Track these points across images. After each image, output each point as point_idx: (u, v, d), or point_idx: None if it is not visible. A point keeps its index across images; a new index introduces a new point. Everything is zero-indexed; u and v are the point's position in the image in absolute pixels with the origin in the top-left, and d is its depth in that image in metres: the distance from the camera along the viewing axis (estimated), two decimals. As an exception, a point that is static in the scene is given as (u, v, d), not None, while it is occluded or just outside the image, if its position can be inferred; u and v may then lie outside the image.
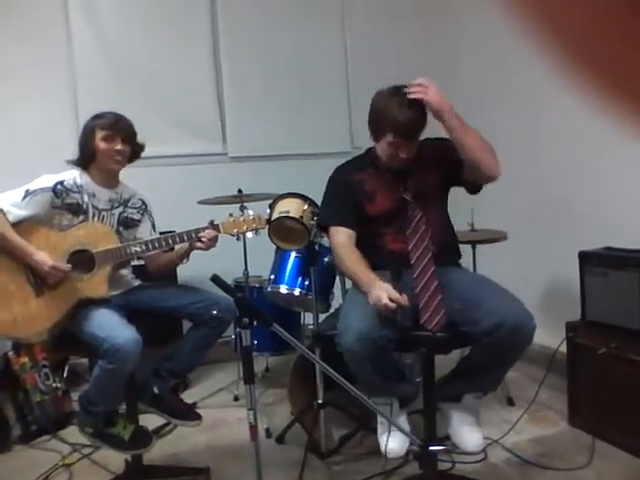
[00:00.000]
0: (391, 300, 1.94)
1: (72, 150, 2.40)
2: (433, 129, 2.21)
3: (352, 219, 2.32)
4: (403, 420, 2.21)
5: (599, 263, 2.63)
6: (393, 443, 2.19)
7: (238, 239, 2.42)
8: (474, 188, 2.27)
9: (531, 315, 1.97)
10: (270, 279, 2.97)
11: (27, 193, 2.21)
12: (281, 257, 2.98)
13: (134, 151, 2.40)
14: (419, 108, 2.13)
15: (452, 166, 2.19)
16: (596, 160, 3.02)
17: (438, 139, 2.29)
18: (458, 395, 2.20)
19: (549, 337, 3.01)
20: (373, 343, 1.96)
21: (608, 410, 2.55)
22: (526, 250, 3.39)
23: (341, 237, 2.30)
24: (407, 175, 2.27)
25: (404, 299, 1.96)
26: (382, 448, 2.17)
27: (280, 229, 2.61)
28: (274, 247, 2.87)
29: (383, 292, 1.96)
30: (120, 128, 2.33)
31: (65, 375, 3.28)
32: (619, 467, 2.38)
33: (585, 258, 2.68)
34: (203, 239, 2.27)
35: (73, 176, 2.33)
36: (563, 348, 2.73)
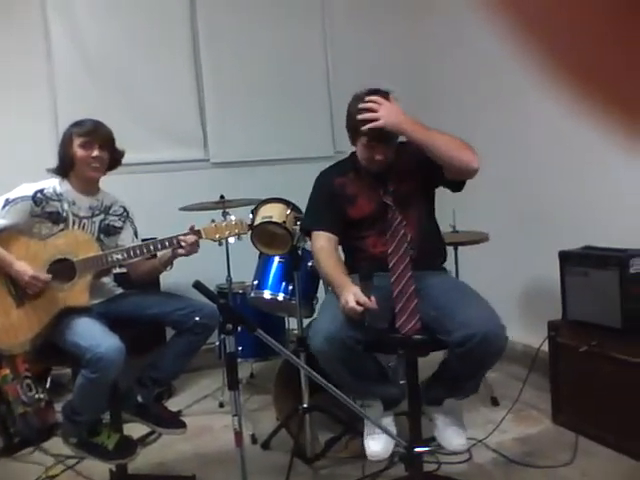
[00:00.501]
0: (359, 303, 1.97)
1: (52, 158, 2.38)
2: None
3: (334, 223, 2.34)
4: (389, 422, 2.22)
5: (579, 263, 2.66)
6: (376, 446, 2.20)
7: (220, 244, 2.41)
8: (457, 186, 2.27)
9: (502, 326, 1.98)
10: (253, 285, 2.97)
11: (7, 202, 2.20)
12: (264, 262, 2.98)
13: (114, 158, 2.39)
14: None
15: (432, 167, 2.19)
16: (576, 162, 3.06)
17: None
18: (439, 399, 2.22)
19: (531, 336, 3.05)
20: (341, 344, 2.00)
21: (591, 408, 2.58)
22: (507, 251, 3.41)
23: (322, 241, 2.32)
24: (388, 178, 2.29)
25: (372, 302, 1.98)
26: (366, 451, 2.18)
27: (263, 234, 2.61)
28: (257, 253, 2.87)
29: (351, 295, 2.00)
30: (97, 134, 2.32)
31: (48, 386, 3.24)
32: (602, 464, 2.41)
33: (565, 258, 2.72)
34: (184, 244, 2.26)
35: (53, 184, 2.31)
36: (545, 347, 2.76)
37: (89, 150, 2.30)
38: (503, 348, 1.99)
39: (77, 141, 2.30)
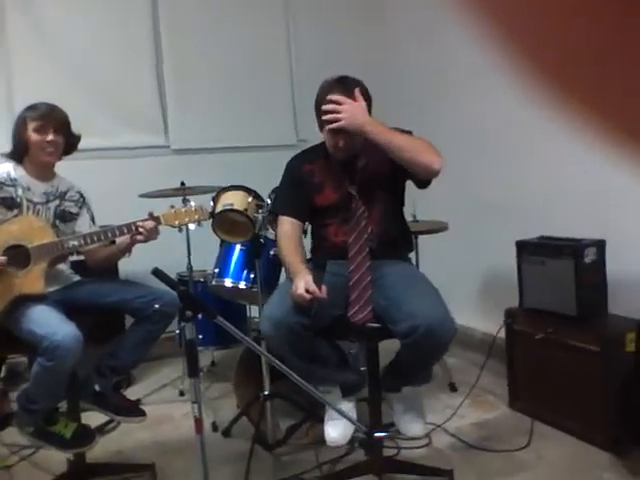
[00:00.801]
0: (308, 291, 2.00)
1: (7, 143, 2.32)
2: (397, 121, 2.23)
3: (299, 210, 2.34)
4: (349, 408, 2.24)
5: (535, 252, 2.72)
6: (334, 432, 2.22)
7: (180, 231, 2.38)
8: (421, 184, 2.29)
9: (449, 319, 1.99)
10: (215, 273, 2.94)
11: (-41, 188, 2.13)
12: (226, 250, 2.95)
13: (69, 143, 2.34)
14: (352, 96, 2.15)
15: (398, 165, 2.21)
16: (534, 153, 3.11)
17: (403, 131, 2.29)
18: (396, 387, 2.24)
19: (489, 324, 3.11)
20: (287, 329, 2.03)
21: (546, 393, 2.65)
22: (466, 240, 3.47)
23: (286, 226, 2.33)
24: (355, 169, 2.29)
25: (322, 292, 2.00)
26: (325, 437, 2.20)
27: (224, 222, 2.60)
28: (219, 240, 2.85)
29: (302, 282, 2.02)
30: (52, 118, 2.27)
31: (3, 375, 3.17)
32: (557, 447, 2.48)
33: (522, 247, 2.77)
34: (142, 230, 2.22)
35: (7, 170, 2.25)
36: (502, 334, 2.81)
37: (43, 134, 2.24)
38: (449, 340, 2.00)
39: (31, 125, 2.24)
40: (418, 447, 2.50)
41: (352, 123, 2.09)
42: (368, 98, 2.21)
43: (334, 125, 2.09)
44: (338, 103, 2.10)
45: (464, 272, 3.59)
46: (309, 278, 2.04)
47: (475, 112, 3.46)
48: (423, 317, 1.93)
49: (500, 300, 2.96)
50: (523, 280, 2.77)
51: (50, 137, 2.25)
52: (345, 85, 2.17)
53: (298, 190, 2.35)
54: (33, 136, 2.24)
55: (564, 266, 2.57)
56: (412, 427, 2.19)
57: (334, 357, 2.25)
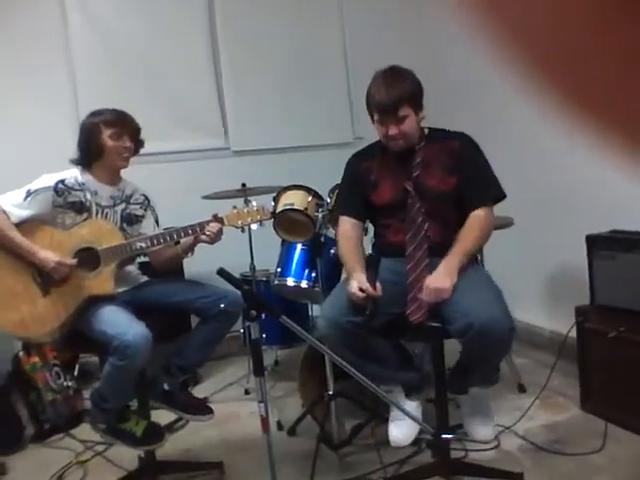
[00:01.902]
0: (362, 290, 1.99)
1: (73, 148, 2.38)
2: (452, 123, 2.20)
3: (358, 209, 2.34)
4: (413, 408, 2.21)
5: (607, 246, 2.61)
6: (398, 432, 2.20)
7: (243, 231, 2.41)
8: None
9: (505, 317, 1.94)
10: (277, 272, 2.97)
11: (28, 193, 2.22)
12: (287, 250, 2.97)
13: (136, 148, 2.40)
14: (400, 84, 2.14)
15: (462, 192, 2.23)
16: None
17: (471, 148, 2.27)
18: (463, 388, 2.20)
19: (559, 323, 3.01)
20: (341, 328, 2.04)
21: (620, 394, 2.53)
22: (533, 236, 3.36)
23: (345, 226, 2.34)
24: (412, 165, 2.26)
25: (377, 290, 2.01)
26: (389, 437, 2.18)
27: (285, 222, 2.61)
28: (280, 240, 2.86)
29: (355, 281, 2.04)
30: (127, 125, 2.33)
31: (76, 374, 3.29)
32: (633, 451, 2.36)
33: (592, 242, 2.67)
34: (207, 232, 2.26)
35: (74, 174, 2.33)
36: (573, 333, 2.71)
37: (120, 141, 2.31)
38: (506, 338, 1.96)
39: (107, 132, 2.30)
40: (486, 449, 2.43)
41: (449, 280, 2.04)
42: (419, 89, 2.19)
43: (447, 296, 2.03)
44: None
45: (531, 269, 3.49)
46: (362, 276, 2.05)
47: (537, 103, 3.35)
48: (477, 315, 1.89)
49: (569, 297, 2.85)
50: (594, 276, 2.66)
51: (127, 143, 2.32)
52: (395, 75, 2.17)
53: (356, 188, 2.35)
54: (109, 142, 2.30)
55: (637, 260, 2.46)
56: (480, 431, 2.14)
57: (393, 356, 2.22)
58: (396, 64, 2.24)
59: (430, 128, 2.34)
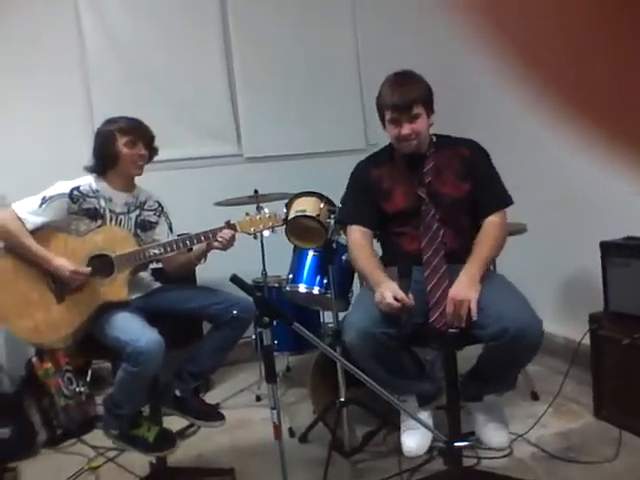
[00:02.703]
0: (396, 299, 1.97)
1: (87, 154, 2.40)
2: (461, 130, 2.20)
3: (368, 217, 2.33)
4: (425, 418, 2.20)
5: (621, 253, 2.59)
6: (411, 442, 2.19)
7: (255, 238, 2.42)
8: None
9: (537, 321, 1.95)
10: (289, 278, 2.97)
11: (44, 200, 2.23)
12: (299, 256, 2.97)
13: (150, 156, 2.42)
14: (414, 85, 2.16)
15: (475, 198, 2.24)
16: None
17: (481, 154, 2.28)
18: (478, 395, 2.18)
19: (572, 329, 2.99)
20: (374, 339, 2.00)
21: (634, 401, 2.51)
22: (546, 242, 3.34)
23: (356, 236, 2.33)
24: (424, 170, 2.25)
25: (410, 299, 1.98)
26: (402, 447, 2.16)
27: (297, 228, 2.61)
28: (292, 246, 2.87)
29: (388, 291, 2.00)
30: (142, 133, 2.35)
31: (89, 379, 3.31)
32: (648, 459, 2.35)
33: (607, 248, 2.65)
34: (220, 239, 2.27)
35: (89, 182, 2.34)
36: (586, 340, 2.69)
37: (135, 149, 2.33)
38: (539, 342, 1.95)
39: (122, 140, 2.32)
40: (499, 457, 2.41)
41: (473, 291, 2.02)
42: (431, 92, 2.20)
43: (474, 307, 2.00)
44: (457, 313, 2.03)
45: (544, 275, 3.46)
46: (395, 286, 2.02)
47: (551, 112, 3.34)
48: (513, 319, 1.89)
49: (583, 304, 2.83)
50: (608, 283, 2.64)
51: (143, 151, 2.34)
52: (407, 77, 2.19)
53: (366, 197, 2.34)
54: (124, 150, 2.32)
55: (652, 268, 2.45)
56: (495, 438, 2.12)
57: (411, 366, 2.21)
58: (407, 69, 2.25)
59: (437, 135, 2.34)
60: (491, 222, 2.20)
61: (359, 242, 2.31)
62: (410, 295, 2.00)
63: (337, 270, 2.66)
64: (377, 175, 2.33)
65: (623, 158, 2.90)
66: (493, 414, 2.15)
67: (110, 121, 2.37)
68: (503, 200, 2.27)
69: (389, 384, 2.14)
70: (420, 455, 2.22)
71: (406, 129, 2.18)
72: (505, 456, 2.43)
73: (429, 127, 2.26)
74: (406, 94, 2.15)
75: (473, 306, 1.98)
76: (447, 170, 2.23)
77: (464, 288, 2.02)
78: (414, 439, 2.18)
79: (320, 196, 2.66)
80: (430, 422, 2.19)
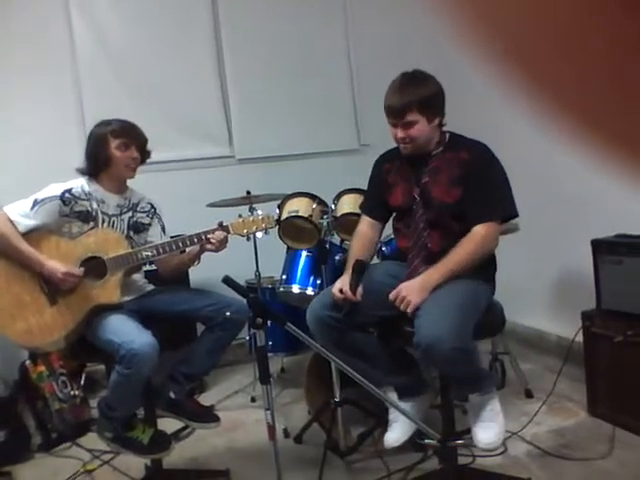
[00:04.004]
0: (341, 292, 2.06)
1: (80, 157, 2.39)
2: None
3: (376, 209, 2.37)
4: (406, 409, 2.19)
5: (612, 251, 2.61)
6: (390, 433, 2.19)
7: (248, 239, 2.42)
8: None
9: (449, 338, 1.87)
10: (282, 279, 2.97)
11: (35, 202, 2.22)
12: (292, 257, 2.98)
13: (142, 158, 2.41)
14: (413, 89, 2.13)
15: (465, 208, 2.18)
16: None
17: (483, 161, 2.19)
18: (457, 395, 2.19)
19: (565, 327, 3.00)
20: (321, 321, 2.10)
21: (627, 398, 2.53)
22: (538, 241, 3.36)
23: (362, 225, 2.38)
24: (424, 170, 2.24)
25: (357, 294, 2.05)
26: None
27: (290, 229, 2.62)
28: (285, 247, 2.87)
29: (339, 282, 2.11)
30: (135, 136, 2.35)
31: (83, 382, 3.29)
32: (641, 455, 2.36)
33: (598, 246, 2.66)
34: (213, 241, 2.27)
35: (80, 184, 2.34)
36: (579, 338, 2.71)
37: (127, 151, 2.32)
38: (450, 356, 1.89)
39: (114, 142, 2.31)
40: (494, 455, 2.42)
41: (422, 297, 2.01)
42: (435, 95, 2.17)
43: (410, 310, 2.01)
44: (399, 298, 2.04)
45: (536, 274, 3.48)
46: (346, 278, 2.10)
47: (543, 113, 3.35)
48: (424, 334, 1.89)
49: (575, 302, 2.85)
50: (600, 281, 2.65)
51: (135, 154, 2.34)
52: (411, 79, 2.16)
53: (377, 189, 2.37)
54: (117, 153, 2.31)
55: (643, 265, 2.46)
56: (483, 436, 2.09)
57: (384, 357, 2.21)
58: (418, 68, 2.21)
59: (452, 134, 2.27)
60: (475, 232, 2.12)
61: (360, 232, 2.36)
62: (359, 289, 2.06)
63: (330, 270, 2.67)
64: (387, 169, 2.35)
65: (614, 157, 2.92)
66: (480, 413, 2.12)
67: (103, 123, 2.36)
68: (495, 211, 2.16)
69: (359, 371, 2.11)
70: (397, 445, 2.20)
71: (401, 133, 2.18)
72: (500, 454, 2.45)
73: (435, 128, 2.20)
74: (401, 100, 2.12)
75: (409, 309, 1.99)
76: (443, 173, 2.21)
77: (412, 288, 2.03)
78: (393, 431, 2.19)
79: (313, 197, 2.66)
80: (414, 414, 2.18)
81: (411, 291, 2.02)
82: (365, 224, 2.38)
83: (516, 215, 2.20)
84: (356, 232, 2.37)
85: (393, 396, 2.22)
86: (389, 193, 2.31)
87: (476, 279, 2.12)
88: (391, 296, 2.05)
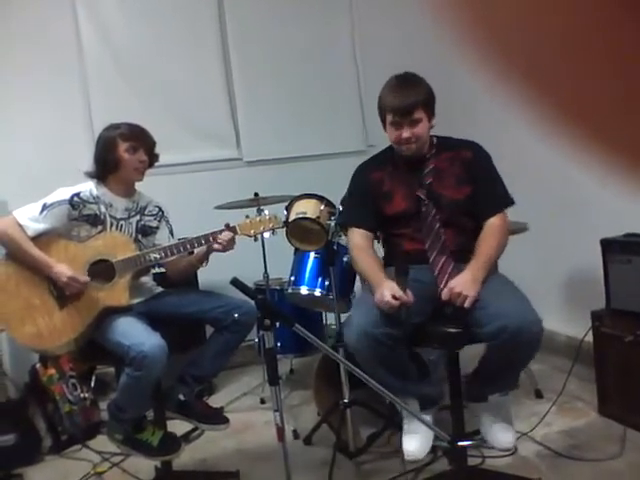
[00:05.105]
0: (395, 298, 1.98)
1: (87, 157, 2.41)
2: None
3: (369, 220, 2.34)
4: (427, 421, 2.20)
5: (622, 250, 2.59)
6: (411, 445, 2.19)
7: (255, 240, 2.42)
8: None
9: (537, 318, 1.95)
10: (290, 280, 2.97)
11: (44, 207, 2.24)
12: (300, 258, 2.97)
13: (150, 162, 2.42)
14: (415, 88, 2.16)
15: (475, 202, 2.24)
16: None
17: (483, 157, 2.28)
18: (483, 396, 2.18)
19: (575, 327, 2.99)
20: (375, 340, 2.01)
21: (638, 398, 2.51)
22: (547, 241, 3.34)
23: (357, 238, 2.33)
24: (424, 172, 2.26)
25: (408, 296, 1.99)
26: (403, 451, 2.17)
27: (298, 230, 2.61)
28: (293, 249, 2.87)
29: (387, 290, 2.01)
30: (144, 139, 2.36)
31: (93, 385, 3.31)
32: (652, 456, 2.34)
33: (607, 246, 2.65)
34: (220, 241, 2.27)
35: (89, 187, 2.35)
36: (589, 338, 2.70)
37: (136, 155, 2.33)
38: (538, 339, 1.95)
39: (123, 146, 2.32)
40: (503, 456, 2.41)
41: (474, 289, 2.03)
42: (432, 95, 2.20)
43: (468, 304, 2.02)
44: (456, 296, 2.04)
45: (546, 274, 3.46)
46: (393, 284, 2.03)
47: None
48: (511, 317, 1.89)
49: (585, 302, 2.83)
50: (609, 280, 2.63)
51: (144, 158, 2.35)
52: (409, 79, 2.19)
53: (367, 199, 2.34)
54: (125, 156, 2.32)
55: (653, 264, 2.44)
56: (502, 438, 2.11)
57: (414, 369, 2.21)
58: (409, 71, 2.24)
59: (438, 137, 2.33)
60: (492, 224, 2.20)
61: (359, 244, 2.31)
62: (408, 292, 2.01)
63: (338, 271, 2.66)
64: (378, 177, 2.34)
65: (621, 157, 2.91)
66: (499, 414, 2.14)
67: (112, 127, 2.37)
68: (503, 201, 2.27)
69: (391, 386, 2.12)
70: (420, 459, 2.22)
71: (406, 133, 2.18)
72: (510, 454, 2.43)
73: (430, 130, 2.26)
74: (408, 98, 2.14)
75: (467, 305, 1.99)
76: (448, 173, 2.23)
77: (464, 283, 2.04)
78: (415, 443, 2.18)
79: (320, 198, 2.66)
80: (433, 422, 2.19)
81: (465, 286, 2.02)
82: (358, 236, 2.33)
83: (513, 202, 2.29)
84: (353, 246, 2.33)
85: (415, 407, 2.22)
86: (386, 202, 2.30)
87: (495, 274, 2.17)
88: (444, 295, 2.04)
